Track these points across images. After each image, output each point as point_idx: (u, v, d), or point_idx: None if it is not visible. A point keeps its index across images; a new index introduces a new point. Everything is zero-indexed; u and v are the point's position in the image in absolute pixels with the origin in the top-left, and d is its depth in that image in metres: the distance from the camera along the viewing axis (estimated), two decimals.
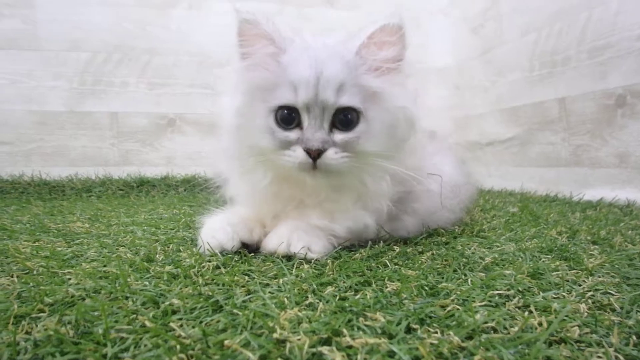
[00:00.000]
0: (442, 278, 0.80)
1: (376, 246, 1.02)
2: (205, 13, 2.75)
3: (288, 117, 0.93)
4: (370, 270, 0.84)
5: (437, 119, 3.05)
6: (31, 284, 0.76)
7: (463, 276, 0.81)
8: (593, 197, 1.90)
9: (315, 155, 0.90)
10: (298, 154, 0.91)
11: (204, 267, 0.86)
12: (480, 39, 2.79)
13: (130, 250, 1.01)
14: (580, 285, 0.76)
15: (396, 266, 0.87)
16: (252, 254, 0.97)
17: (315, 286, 0.74)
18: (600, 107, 1.97)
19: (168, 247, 1.04)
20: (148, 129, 2.67)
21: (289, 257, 0.93)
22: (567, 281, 0.77)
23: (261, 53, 0.96)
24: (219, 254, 0.94)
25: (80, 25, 2.56)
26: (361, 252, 0.96)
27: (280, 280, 0.77)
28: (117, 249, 1.04)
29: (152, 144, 2.68)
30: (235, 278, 0.78)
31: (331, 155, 0.91)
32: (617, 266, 0.87)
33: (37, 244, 1.09)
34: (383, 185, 0.99)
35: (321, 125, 0.92)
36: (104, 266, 0.87)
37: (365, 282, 0.77)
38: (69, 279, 0.79)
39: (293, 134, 0.93)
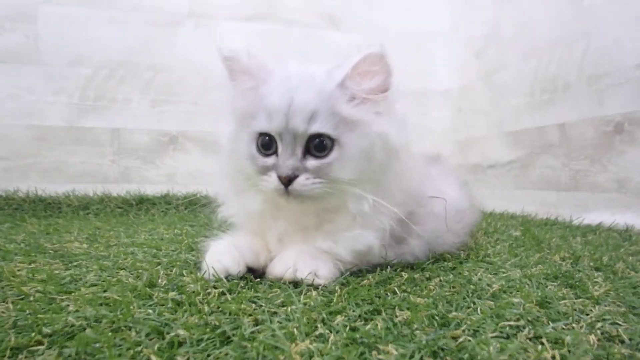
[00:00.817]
0: (452, 306, 0.79)
1: (384, 272, 1.01)
2: (210, 32, 2.76)
3: (267, 143, 0.96)
4: (379, 297, 0.83)
5: (440, 141, 3.05)
6: (28, 311, 0.73)
7: (472, 304, 0.80)
8: (592, 221, 1.90)
9: (285, 181, 0.92)
10: (272, 180, 0.94)
11: (209, 293, 0.84)
12: (482, 63, 2.81)
13: (132, 274, 1.00)
14: (587, 315, 0.75)
15: (405, 293, 0.86)
16: (258, 279, 0.96)
17: (324, 315, 0.73)
18: (599, 134, 1.98)
19: (171, 271, 1.03)
20: (149, 146, 2.66)
21: (295, 283, 0.92)
22: (575, 310, 0.77)
23: (243, 86, 1.00)
24: (224, 279, 0.92)
25: (83, 41, 2.56)
26: (369, 278, 0.95)
27: (289, 309, 0.76)
28: (117, 272, 1.02)
29: (153, 161, 2.67)
30: (242, 306, 0.77)
31: (302, 182, 0.93)
32: (621, 294, 0.87)
33: (32, 265, 1.08)
34: (365, 207, 0.98)
35: (293, 152, 0.94)
36: (105, 291, 0.86)
37: (375, 311, 0.76)
38: (68, 305, 0.77)
39: (270, 160, 0.96)
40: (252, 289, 0.89)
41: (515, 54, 2.53)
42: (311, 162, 0.94)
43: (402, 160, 1.03)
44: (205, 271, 0.96)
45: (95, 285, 0.91)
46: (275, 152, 0.96)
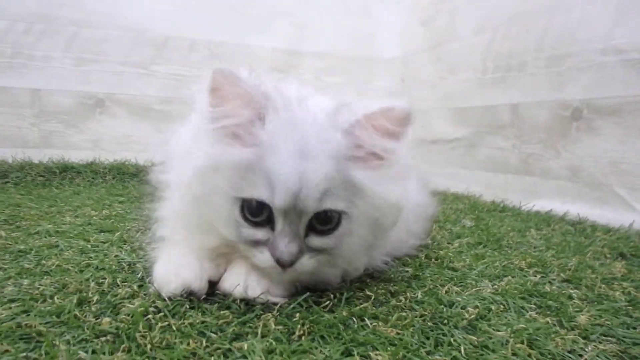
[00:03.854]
0: (428, 340, 0.71)
1: (343, 286, 0.91)
2: None
3: (257, 210, 0.78)
4: (346, 326, 0.74)
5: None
6: None
7: (451, 337, 0.72)
8: (542, 208, 1.88)
9: (287, 266, 0.77)
10: (266, 259, 0.78)
11: (148, 320, 0.72)
12: (430, 32, 2.72)
13: (56, 284, 0.86)
14: (581, 356, 0.68)
15: (373, 320, 0.77)
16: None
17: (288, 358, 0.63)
18: (555, 118, 1.93)
19: (103, 280, 0.89)
20: (73, 108, 2.45)
21: (247, 301, 0.81)
22: (567, 351, 0.70)
23: (235, 118, 0.78)
24: (168, 299, 0.79)
25: None
26: (329, 295, 0.85)
27: (245, 345, 0.65)
28: (40, 279, 0.88)
29: (77, 125, 2.45)
30: (191, 343, 0.65)
31: (304, 262, 0.79)
32: (608, 324, 0.80)
33: None
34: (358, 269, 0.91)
35: (296, 231, 0.77)
36: (26, 314, 0.72)
37: (347, 352, 0.67)
38: None
39: (261, 234, 0.79)
40: (198, 310, 0.77)
41: (466, 26, 2.44)
42: (315, 241, 0.80)
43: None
44: (154, 288, 0.82)
45: (15, 301, 0.78)
46: (268, 224, 0.78)
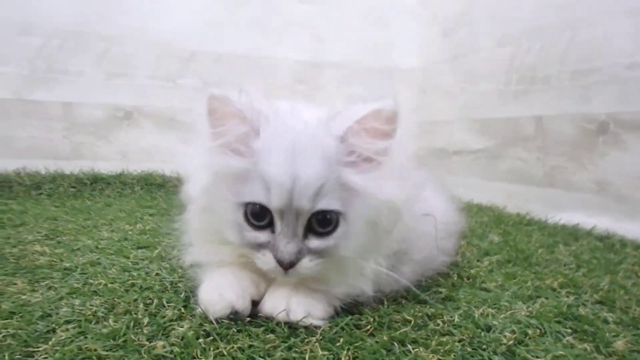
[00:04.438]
0: None
1: (381, 309, 0.93)
2: (168, 1, 2.61)
3: (259, 214, 0.81)
4: (389, 351, 0.77)
5: (401, 122, 2.97)
6: None
7: None
8: (568, 221, 1.89)
9: (286, 267, 0.81)
10: (268, 261, 0.82)
11: (199, 344, 0.75)
12: (450, 43, 2.73)
13: (106, 305, 0.89)
14: None
15: (414, 345, 0.79)
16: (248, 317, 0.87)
17: None
18: (581, 131, 1.94)
19: (150, 301, 0.92)
20: (103, 121, 2.51)
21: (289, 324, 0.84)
22: None
23: (232, 134, 0.83)
24: (215, 321, 0.82)
25: (33, 8, 2.35)
26: (368, 318, 0.88)
27: None
28: (90, 299, 0.92)
29: (106, 137, 2.52)
30: None
31: (305, 265, 0.82)
32: None
33: None
34: (366, 273, 0.90)
35: (295, 232, 0.81)
36: (83, 336, 0.76)
37: None
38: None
39: (263, 236, 0.82)
40: (246, 334, 0.80)
41: (488, 38, 2.46)
42: (314, 242, 0.82)
43: (405, 217, 0.92)
44: (200, 309, 0.86)
45: (70, 322, 0.81)
46: (269, 226, 0.82)
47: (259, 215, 0.82)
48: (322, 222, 0.82)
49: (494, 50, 2.41)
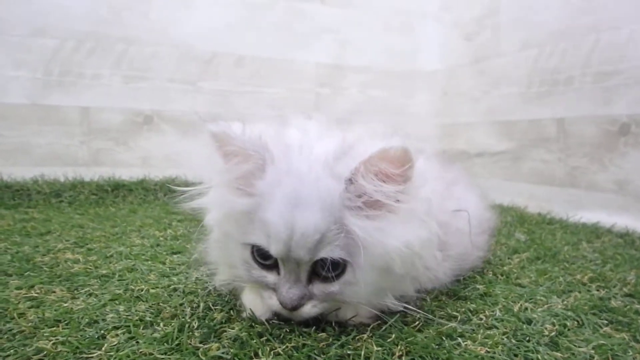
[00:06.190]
0: (517, 357, 0.75)
1: (424, 304, 0.96)
2: (187, 3, 2.59)
3: (265, 254, 0.80)
4: (440, 345, 0.79)
5: (424, 124, 3.01)
6: None
7: (538, 355, 0.76)
8: (588, 220, 1.91)
9: (290, 310, 0.80)
10: (274, 303, 0.82)
11: (254, 342, 0.76)
12: (473, 47, 2.75)
13: (152, 309, 0.91)
14: None
15: (462, 338, 0.81)
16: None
17: None
18: (602, 132, 1.96)
19: (196, 305, 0.93)
20: (122, 126, 2.49)
21: (339, 323, 0.85)
22: None
23: (235, 173, 0.82)
24: (265, 321, 0.84)
25: (48, 8, 2.33)
26: (414, 316, 0.88)
27: None
28: (135, 304, 0.93)
29: (126, 143, 2.50)
30: None
31: (308, 310, 0.81)
32: None
33: (33, 294, 0.97)
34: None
35: (298, 277, 0.80)
36: (134, 340, 0.77)
37: None
38: None
39: (270, 277, 0.82)
40: (297, 333, 0.81)
41: (511, 42, 2.47)
42: (318, 288, 0.81)
43: (427, 253, 0.89)
44: (251, 313, 0.87)
45: (119, 327, 0.82)
46: (276, 267, 0.82)
47: (265, 256, 0.81)
48: (327, 268, 0.79)
49: (516, 54, 2.42)
